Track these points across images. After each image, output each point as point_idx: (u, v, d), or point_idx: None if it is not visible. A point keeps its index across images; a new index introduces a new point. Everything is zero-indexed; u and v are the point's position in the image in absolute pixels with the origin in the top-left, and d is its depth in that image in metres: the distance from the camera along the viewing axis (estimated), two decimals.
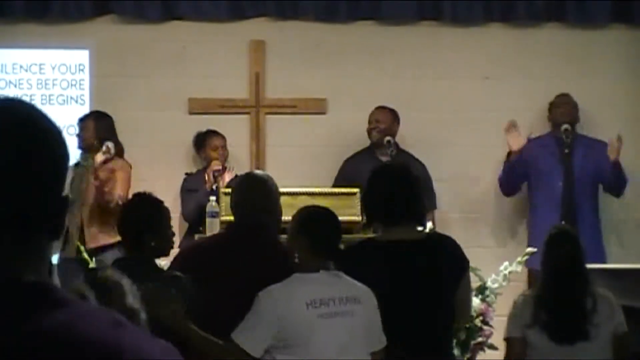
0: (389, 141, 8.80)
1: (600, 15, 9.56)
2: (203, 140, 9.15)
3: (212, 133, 9.15)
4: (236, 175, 8.90)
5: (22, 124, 1.70)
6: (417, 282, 5.16)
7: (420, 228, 5.45)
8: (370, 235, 5.69)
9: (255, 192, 5.59)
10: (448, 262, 5.28)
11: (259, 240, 5.44)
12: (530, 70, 9.51)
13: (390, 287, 5.12)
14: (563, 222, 8.40)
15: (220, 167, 8.76)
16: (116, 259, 5.95)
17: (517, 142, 8.90)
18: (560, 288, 5.85)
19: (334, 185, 8.71)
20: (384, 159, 8.86)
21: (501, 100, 9.43)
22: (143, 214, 5.54)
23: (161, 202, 5.63)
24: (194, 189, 8.88)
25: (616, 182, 8.97)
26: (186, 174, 9.06)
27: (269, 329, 4.94)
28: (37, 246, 1.71)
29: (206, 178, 8.78)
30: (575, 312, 5.80)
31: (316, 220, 5.20)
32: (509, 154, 8.98)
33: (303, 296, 4.98)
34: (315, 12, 9.47)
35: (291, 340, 4.95)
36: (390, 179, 5.41)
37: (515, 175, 9.07)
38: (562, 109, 9.12)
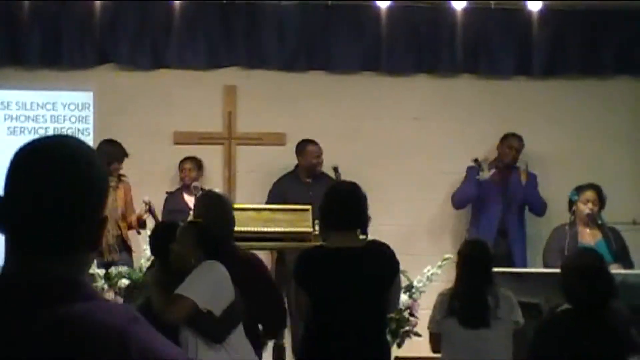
0: (336, 168, 8.79)
1: (506, 68, 9.57)
2: (179, 164, 9.12)
3: (185, 159, 9.10)
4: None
5: (73, 158, 1.73)
6: (358, 280, 5.11)
7: (362, 236, 5.39)
8: (315, 243, 5.66)
9: (210, 209, 5.65)
10: (384, 264, 5.22)
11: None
12: (450, 113, 9.51)
13: (336, 285, 5.09)
14: (496, 236, 8.56)
15: (148, 200, 8.56)
16: None
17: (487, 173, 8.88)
18: (470, 285, 5.88)
19: (267, 202, 8.67)
20: (309, 180, 8.85)
21: (427, 136, 9.44)
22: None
23: None
24: (174, 209, 8.76)
25: (537, 205, 9.02)
26: (167, 192, 9.01)
27: None
28: (80, 255, 1.73)
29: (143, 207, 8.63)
30: (479, 305, 5.80)
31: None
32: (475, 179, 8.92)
33: None
34: (277, 63, 9.44)
35: None
36: (341, 194, 5.37)
37: (471, 195, 9.01)
38: (511, 149, 9.06)
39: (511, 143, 9.08)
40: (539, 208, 9.08)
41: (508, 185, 8.98)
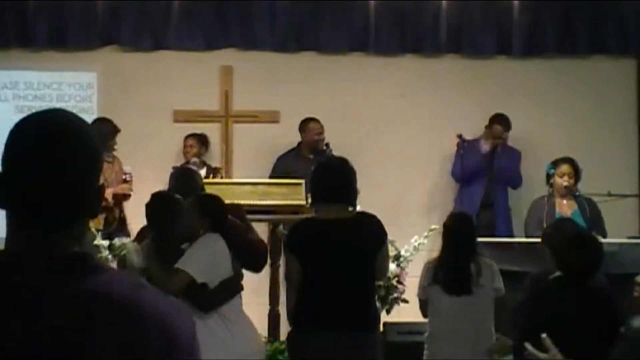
0: (327, 144, 8.85)
1: (487, 48, 9.61)
2: (184, 140, 9.14)
3: (188, 136, 9.13)
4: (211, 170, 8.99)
5: (69, 130, 1.69)
6: (347, 249, 5.15)
7: (351, 208, 5.39)
8: (311, 214, 5.62)
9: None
10: (371, 234, 5.25)
11: None
12: (435, 90, 9.55)
13: (326, 254, 5.14)
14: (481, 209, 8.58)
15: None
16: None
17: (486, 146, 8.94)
18: (454, 255, 5.97)
19: (270, 177, 8.67)
20: (311, 157, 8.83)
21: (413, 113, 9.47)
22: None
23: None
24: None
25: (514, 179, 9.08)
26: (173, 167, 9.03)
27: None
28: (80, 225, 1.71)
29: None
30: (462, 274, 5.90)
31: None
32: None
33: None
34: (271, 45, 9.44)
35: None
36: (331, 169, 5.41)
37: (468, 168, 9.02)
38: (502, 128, 9.05)
39: (498, 129, 9.06)
40: (515, 182, 9.11)
41: (493, 161, 9.04)
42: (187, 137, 9.11)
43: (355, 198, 5.46)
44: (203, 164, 8.98)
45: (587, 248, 5.13)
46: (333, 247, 5.17)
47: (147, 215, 5.62)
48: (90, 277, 1.64)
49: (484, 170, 8.97)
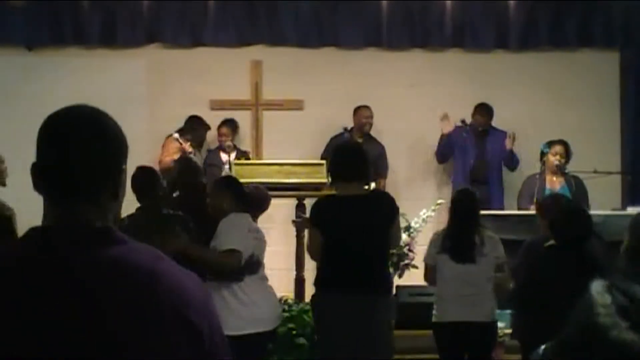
0: (345, 128, 8.85)
1: (487, 43, 9.58)
2: (217, 127, 9.16)
3: (222, 123, 9.11)
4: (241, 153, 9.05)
5: (96, 120, 1.71)
6: (363, 222, 5.20)
7: (366, 187, 5.49)
8: (332, 192, 5.68)
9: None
10: (385, 208, 5.33)
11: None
12: (440, 81, 9.54)
13: (345, 227, 5.19)
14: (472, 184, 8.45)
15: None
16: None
17: (447, 128, 8.90)
18: (459, 226, 5.98)
19: (322, 156, 8.52)
20: (360, 140, 8.74)
21: (421, 101, 9.45)
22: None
23: None
24: (212, 163, 8.85)
25: (511, 162, 9.02)
26: (208, 150, 9.13)
27: None
28: (104, 203, 1.70)
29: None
30: (468, 244, 5.90)
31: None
32: (442, 135, 8.98)
33: None
34: (295, 40, 9.44)
35: None
36: (346, 151, 5.51)
37: (445, 149, 9.04)
38: (481, 116, 9.05)
39: (482, 112, 9.06)
40: (507, 161, 9.07)
41: (485, 143, 9.01)
42: (221, 124, 9.09)
43: (370, 177, 5.53)
44: (234, 147, 9.04)
45: (578, 220, 5.20)
46: (351, 220, 5.21)
47: (135, 189, 5.70)
48: (112, 248, 1.64)
49: (467, 149, 8.94)
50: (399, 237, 5.77)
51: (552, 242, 5.27)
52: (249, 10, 9.42)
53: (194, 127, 8.84)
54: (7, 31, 9.19)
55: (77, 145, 1.67)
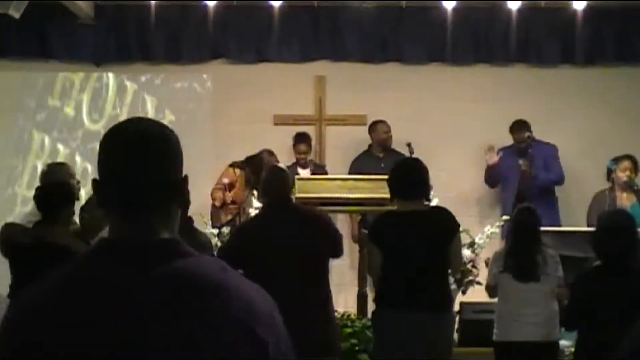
0: (409, 144, 8.72)
1: (552, 58, 9.45)
2: (293, 143, 9.02)
3: (299, 139, 8.96)
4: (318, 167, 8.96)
5: (157, 131, 1.72)
6: (423, 238, 5.16)
7: (426, 203, 5.46)
8: (392, 207, 5.60)
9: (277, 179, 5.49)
10: (444, 224, 5.28)
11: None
12: (503, 96, 9.40)
13: (405, 242, 5.16)
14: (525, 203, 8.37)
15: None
16: None
17: (492, 159, 8.77)
18: (521, 245, 5.88)
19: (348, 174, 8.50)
20: (381, 155, 8.77)
21: (485, 116, 9.34)
22: None
23: None
24: None
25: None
26: (285, 166, 8.97)
27: None
28: (170, 213, 1.71)
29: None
30: (530, 262, 5.82)
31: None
32: (487, 167, 8.86)
33: None
34: (359, 56, 9.42)
35: None
36: (406, 168, 5.45)
37: (494, 177, 8.91)
38: (517, 134, 8.78)
39: (516, 129, 8.79)
40: (553, 181, 8.80)
41: (528, 160, 8.65)
42: (297, 141, 8.99)
43: (428, 193, 5.49)
44: (311, 162, 8.97)
45: (614, 237, 4.96)
46: (410, 236, 5.17)
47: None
48: (179, 261, 1.64)
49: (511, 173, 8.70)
50: (460, 254, 5.65)
51: (598, 262, 5.11)
52: (312, 26, 9.44)
53: (253, 170, 8.48)
54: (77, 48, 9.33)
55: (141, 157, 1.68)
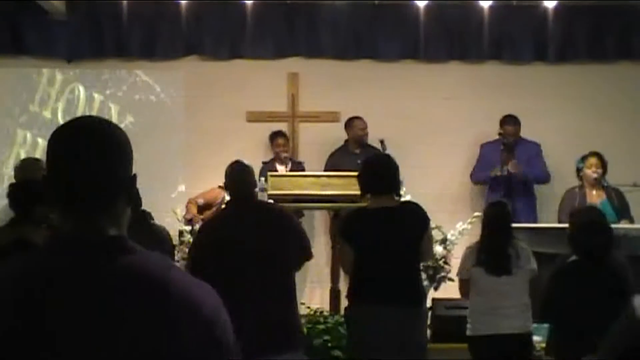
0: (382, 141, 8.73)
1: (525, 55, 9.49)
2: (272, 139, 9.03)
3: (277, 135, 8.98)
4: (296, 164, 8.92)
5: (103, 130, 1.72)
6: (394, 234, 5.17)
7: (397, 198, 5.42)
8: (363, 203, 5.57)
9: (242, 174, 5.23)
10: (416, 220, 5.28)
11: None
12: (477, 93, 9.44)
13: (376, 239, 5.17)
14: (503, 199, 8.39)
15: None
16: None
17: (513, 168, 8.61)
18: (493, 239, 5.89)
19: (323, 171, 8.50)
20: (357, 151, 8.77)
21: (457, 114, 9.37)
22: None
23: None
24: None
25: (536, 178, 8.84)
26: (263, 162, 8.96)
27: None
28: (117, 211, 1.71)
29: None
30: (503, 255, 5.81)
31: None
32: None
33: None
34: (332, 53, 9.40)
35: None
36: (377, 164, 5.43)
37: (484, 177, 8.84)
38: (510, 127, 8.77)
39: (511, 123, 8.82)
40: (540, 179, 8.89)
41: (514, 156, 8.67)
42: (276, 136, 8.98)
43: (399, 189, 5.46)
44: (289, 159, 8.95)
45: (595, 234, 5.07)
46: (382, 232, 5.17)
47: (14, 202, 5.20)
48: (125, 257, 1.65)
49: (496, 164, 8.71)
50: (431, 249, 5.71)
51: (574, 257, 5.17)
52: (286, 23, 9.41)
53: None
54: (49, 44, 9.26)
55: (88, 156, 1.68)
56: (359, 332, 5.20)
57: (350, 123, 9.04)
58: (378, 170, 5.32)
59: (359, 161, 8.31)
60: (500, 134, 8.82)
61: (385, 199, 5.27)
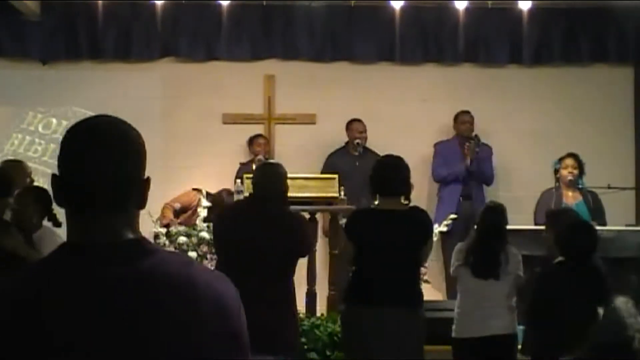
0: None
1: (500, 58, 9.51)
2: (252, 140, 9.02)
3: (257, 136, 9.00)
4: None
5: (119, 130, 1.69)
6: (398, 237, 5.17)
7: (405, 202, 5.39)
8: (373, 204, 5.54)
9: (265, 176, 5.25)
10: (418, 226, 5.26)
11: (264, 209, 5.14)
12: (453, 95, 9.44)
13: (377, 240, 5.17)
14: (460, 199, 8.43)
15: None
16: None
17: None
18: (487, 243, 5.83)
19: (322, 173, 8.61)
20: (356, 153, 8.83)
21: (434, 116, 9.38)
22: None
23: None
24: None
25: (482, 176, 8.86)
26: (240, 163, 8.92)
27: None
28: (131, 214, 1.68)
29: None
30: (492, 260, 5.77)
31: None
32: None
33: None
34: (308, 55, 9.38)
35: None
36: (388, 166, 5.37)
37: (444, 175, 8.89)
38: (465, 124, 8.95)
39: (464, 118, 8.96)
40: (485, 180, 8.91)
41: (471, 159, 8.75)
42: (257, 137, 8.99)
43: (409, 192, 5.42)
44: (267, 160, 8.91)
45: (583, 235, 5.12)
46: (383, 234, 5.17)
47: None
48: (146, 259, 1.62)
49: (461, 164, 8.79)
50: (427, 256, 5.62)
51: (560, 258, 5.17)
52: (262, 25, 9.38)
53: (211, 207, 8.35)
54: (24, 45, 9.17)
55: (102, 156, 1.64)
56: (355, 333, 5.19)
57: (349, 125, 9.07)
58: (386, 173, 5.28)
59: (357, 163, 8.45)
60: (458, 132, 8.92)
61: (393, 201, 5.25)
